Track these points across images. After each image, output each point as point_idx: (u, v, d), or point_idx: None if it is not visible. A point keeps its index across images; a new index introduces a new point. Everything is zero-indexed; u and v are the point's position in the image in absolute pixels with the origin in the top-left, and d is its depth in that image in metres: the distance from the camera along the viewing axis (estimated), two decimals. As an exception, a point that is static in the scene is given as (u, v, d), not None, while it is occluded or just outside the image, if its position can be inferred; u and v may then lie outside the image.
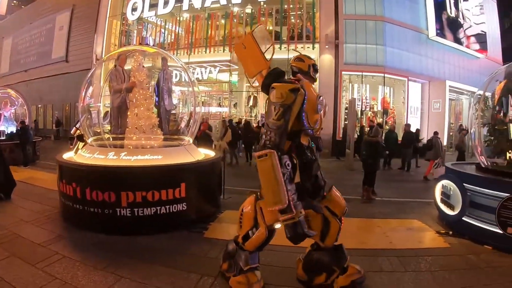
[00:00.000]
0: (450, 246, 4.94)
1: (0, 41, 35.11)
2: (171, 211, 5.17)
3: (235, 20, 19.05)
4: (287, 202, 2.83)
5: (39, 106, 28.27)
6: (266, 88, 3.22)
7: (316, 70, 3.42)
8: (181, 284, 3.67)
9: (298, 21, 18.10)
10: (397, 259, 4.34)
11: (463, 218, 5.35)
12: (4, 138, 12.30)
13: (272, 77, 3.20)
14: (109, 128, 7.27)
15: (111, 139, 6.84)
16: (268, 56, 3.32)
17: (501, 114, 6.07)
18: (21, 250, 4.51)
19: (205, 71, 19.26)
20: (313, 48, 17.32)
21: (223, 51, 18.62)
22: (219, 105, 21.50)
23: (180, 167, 5.54)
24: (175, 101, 8.24)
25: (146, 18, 21.66)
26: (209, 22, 19.33)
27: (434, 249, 4.80)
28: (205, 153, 6.90)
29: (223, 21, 19.34)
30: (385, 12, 17.51)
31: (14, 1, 59.17)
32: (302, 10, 17.89)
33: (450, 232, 5.45)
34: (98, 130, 7.13)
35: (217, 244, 4.69)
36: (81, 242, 4.85)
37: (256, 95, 19.15)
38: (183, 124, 7.77)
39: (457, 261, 4.43)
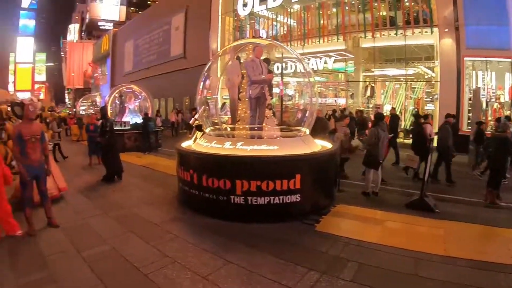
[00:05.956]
0: None
1: (122, 44, 41.31)
2: (284, 201, 5.11)
3: (346, 8, 18.13)
4: None
5: (161, 99, 31.34)
6: None
7: None
8: (287, 275, 3.55)
9: (413, 4, 16.15)
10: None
11: None
12: (129, 128, 13.94)
13: None
14: (226, 118, 7.38)
15: (228, 129, 7.02)
16: None
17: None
18: (138, 227, 4.96)
19: (320, 61, 18.49)
20: (431, 33, 15.36)
21: (337, 40, 17.99)
22: (336, 96, 20.93)
23: (296, 158, 5.40)
24: (291, 92, 8.01)
25: (257, 13, 22.04)
26: (321, 12, 18.76)
27: None
28: (322, 145, 6.63)
29: (334, 10, 18.64)
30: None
31: (132, 8, 72.81)
32: (416, -9, 16.04)
33: None
34: (216, 121, 7.35)
35: (327, 238, 4.54)
36: (195, 225, 5.14)
37: (373, 85, 18.04)
38: (299, 115, 7.50)
39: None
